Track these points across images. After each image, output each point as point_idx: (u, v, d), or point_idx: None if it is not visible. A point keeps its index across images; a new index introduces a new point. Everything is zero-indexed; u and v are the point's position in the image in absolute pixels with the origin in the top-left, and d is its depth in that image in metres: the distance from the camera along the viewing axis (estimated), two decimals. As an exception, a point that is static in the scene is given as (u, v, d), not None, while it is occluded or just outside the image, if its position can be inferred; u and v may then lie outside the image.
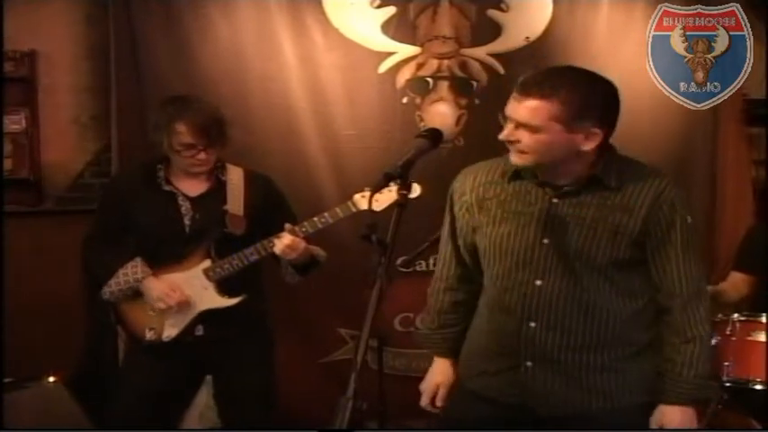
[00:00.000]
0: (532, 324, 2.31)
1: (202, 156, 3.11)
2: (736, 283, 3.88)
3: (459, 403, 2.52)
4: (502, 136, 2.27)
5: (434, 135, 2.19)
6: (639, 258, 2.30)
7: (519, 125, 2.23)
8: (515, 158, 2.29)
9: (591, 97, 2.23)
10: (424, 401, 2.59)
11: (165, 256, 3.16)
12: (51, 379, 3.92)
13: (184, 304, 3.13)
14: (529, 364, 2.33)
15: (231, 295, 3.15)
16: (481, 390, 2.43)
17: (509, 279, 2.34)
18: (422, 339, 2.66)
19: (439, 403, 2.57)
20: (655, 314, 2.35)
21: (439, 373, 2.59)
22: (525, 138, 2.23)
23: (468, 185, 2.44)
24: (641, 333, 2.35)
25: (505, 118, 2.28)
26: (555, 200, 2.31)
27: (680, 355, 2.30)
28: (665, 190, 2.28)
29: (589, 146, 2.23)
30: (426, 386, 2.59)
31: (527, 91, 2.21)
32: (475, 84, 4.39)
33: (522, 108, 2.21)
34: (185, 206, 3.17)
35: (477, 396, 2.44)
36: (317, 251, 3.24)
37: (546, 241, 2.30)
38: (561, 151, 2.24)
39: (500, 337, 2.37)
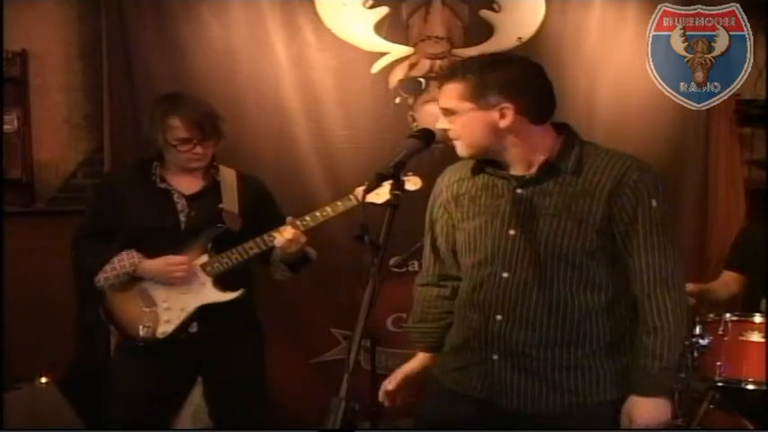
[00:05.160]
0: (499, 317, 2.30)
1: (198, 150, 3.13)
2: (727, 282, 3.89)
3: (433, 400, 2.50)
4: (438, 125, 2.32)
5: (426, 135, 2.23)
6: (608, 249, 2.26)
7: (443, 112, 2.31)
8: (457, 151, 2.35)
9: (489, 73, 2.24)
10: (384, 387, 2.58)
11: (160, 254, 3.14)
12: (43, 380, 3.93)
13: (191, 276, 3.13)
14: (495, 357, 2.31)
15: (229, 289, 3.15)
16: (452, 385, 2.42)
17: (479, 273, 2.34)
18: (408, 335, 2.66)
19: (389, 387, 2.56)
20: (627, 307, 2.31)
21: (410, 362, 2.60)
22: (451, 124, 2.29)
23: (445, 183, 2.47)
24: (611, 328, 2.30)
25: None
26: (519, 190, 2.30)
27: (643, 346, 2.25)
28: (626, 173, 2.23)
29: (505, 122, 2.24)
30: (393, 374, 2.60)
31: (441, 80, 2.32)
32: (467, 84, 4.38)
33: (440, 95, 2.31)
34: (181, 203, 3.18)
35: (448, 392, 2.43)
36: (309, 249, 3.24)
37: (512, 233, 2.29)
38: (484, 132, 2.26)
39: (470, 332, 2.37)
